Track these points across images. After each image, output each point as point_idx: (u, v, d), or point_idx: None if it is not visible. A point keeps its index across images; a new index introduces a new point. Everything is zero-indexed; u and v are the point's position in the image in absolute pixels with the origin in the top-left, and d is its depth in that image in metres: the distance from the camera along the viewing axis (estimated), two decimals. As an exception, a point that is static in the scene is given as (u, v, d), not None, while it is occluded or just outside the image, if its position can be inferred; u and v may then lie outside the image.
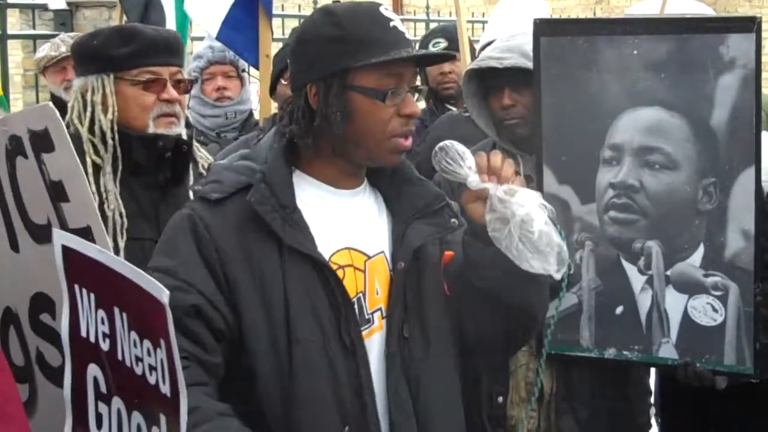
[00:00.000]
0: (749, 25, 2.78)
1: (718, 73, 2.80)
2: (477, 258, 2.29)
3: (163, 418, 1.75)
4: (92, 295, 1.87)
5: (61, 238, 1.93)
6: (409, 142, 2.27)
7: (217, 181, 2.25)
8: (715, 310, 2.86)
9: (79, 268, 1.90)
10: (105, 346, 1.87)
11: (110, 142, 2.83)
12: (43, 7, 6.74)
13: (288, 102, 2.31)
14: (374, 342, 2.27)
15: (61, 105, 4.69)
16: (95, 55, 2.89)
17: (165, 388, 1.71)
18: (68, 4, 6.79)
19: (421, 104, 6.79)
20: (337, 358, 2.19)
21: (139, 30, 2.94)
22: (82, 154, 2.78)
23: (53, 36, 5.62)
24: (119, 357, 1.83)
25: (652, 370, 3.28)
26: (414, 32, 10.27)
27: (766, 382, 2.86)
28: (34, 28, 6.76)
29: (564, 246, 2.23)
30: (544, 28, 3.00)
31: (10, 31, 6.50)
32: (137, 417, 1.84)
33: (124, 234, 2.79)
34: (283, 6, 9.38)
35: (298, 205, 2.22)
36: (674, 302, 2.90)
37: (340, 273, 2.23)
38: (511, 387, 3.12)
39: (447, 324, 2.37)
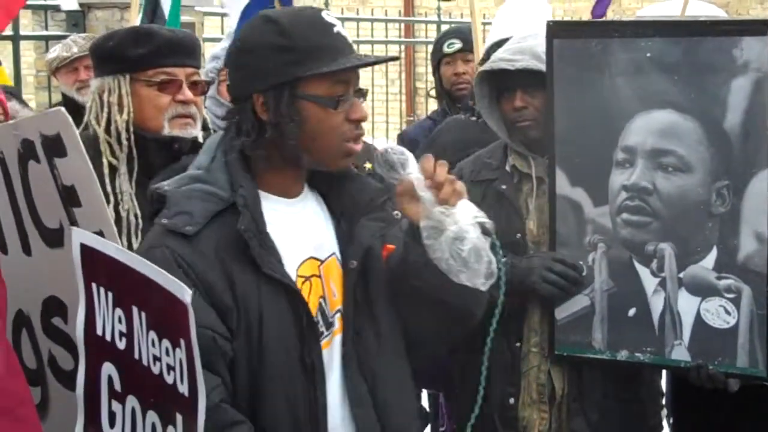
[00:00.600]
0: (763, 28, 2.78)
1: (732, 75, 2.80)
2: (415, 261, 2.30)
3: (179, 418, 1.76)
4: (110, 294, 1.88)
5: (79, 236, 1.94)
6: (359, 146, 2.28)
7: (186, 213, 2.20)
8: (727, 312, 2.86)
9: (97, 266, 1.91)
10: (121, 344, 1.88)
11: (125, 142, 2.84)
12: (56, 8, 6.75)
13: (232, 113, 2.29)
14: (336, 344, 2.31)
15: (73, 106, 4.75)
16: (111, 56, 2.90)
17: (183, 388, 1.72)
18: (80, 5, 6.80)
19: (433, 104, 6.80)
20: (298, 378, 2.23)
21: (155, 31, 2.95)
22: (99, 155, 2.79)
23: (65, 37, 5.61)
24: (135, 356, 1.84)
25: (663, 372, 3.28)
26: (425, 34, 10.27)
27: (778, 385, 2.86)
28: (46, 28, 6.77)
29: (494, 260, 2.25)
30: (557, 30, 3.01)
31: (22, 32, 6.52)
32: (152, 416, 1.85)
33: (138, 235, 2.80)
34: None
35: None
36: (687, 305, 2.91)
37: (306, 285, 2.26)
38: (522, 388, 3.12)
39: (395, 316, 2.40)
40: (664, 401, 3.34)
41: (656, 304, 2.94)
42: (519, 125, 3.16)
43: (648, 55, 2.88)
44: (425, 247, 2.24)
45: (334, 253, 2.34)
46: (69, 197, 2.04)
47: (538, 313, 3.11)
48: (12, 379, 1.81)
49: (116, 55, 2.89)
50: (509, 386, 3.12)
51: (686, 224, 2.89)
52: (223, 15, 6.60)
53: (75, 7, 6.76)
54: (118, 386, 1.91)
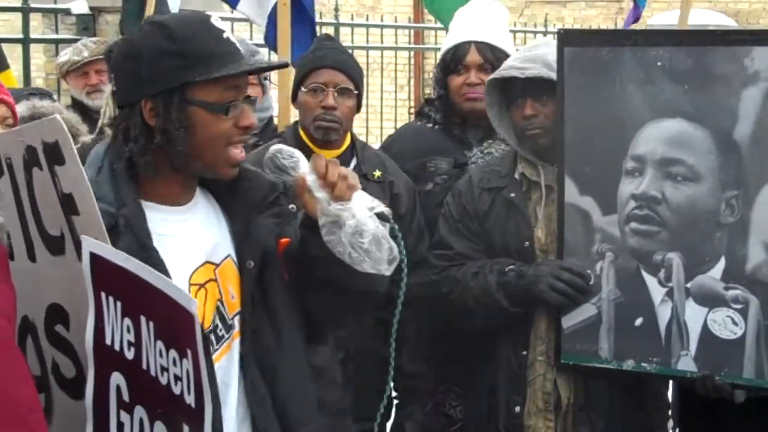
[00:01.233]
0: (774, 38, 2.78)
1: (742, 85, 2.80)
2: (317, 253, 2.29)
3: (186, 429, 1.76)
4: (119, 303, 1.88)
5: (89, 245, 1.94)
6: (243, 154, 2.26)
7: None
8: (735, 323, 2.86)
9: (106, 275, 1.91)
10: (130, 354, 1.87)
11: None
12: (66, 12, 6.76)
13: (119, 120, 2.26)
14: (236, 346, 2.29)
15: (82, 109, 4.75)
16: None
17: (189, 399, 1.72)
18: (91, 8, 6.80)
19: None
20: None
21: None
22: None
23: (75, 40, 5.62)
24: (144, 366, 1.84)
25: (670, 382, 3.27)
26: (435, 40, 10.25)
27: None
28: (56, 32, 6.77)
29: (395, 246, 2.26)
30: (568, 39, 3.01)
31: (32, 35, 6.52)
32: (160, 427, 1.84)
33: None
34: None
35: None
36: (694, 315, 2.90)
37: (201, 293, 2.23)
38: (528, 397, 3.12)
39: (292, 308, 2.39)
40: (670, 412, 3.34)
41: (663, 314, 2.93)
42: (529, 133, 3.15)
43: (659, 63, 2.88)
44: (326, 243, 2.23)
45: (229, 255, 2.31)
46: (68, 205, 2.03)
47: (545, 322, 3.11)
48: (23, 386, 1.81)
49: None
50: (515, 394, 3.13)
51: (695, 234, 2.88)
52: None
53: (85, 10, 6.76)
54: (126, 396, 1.91)
